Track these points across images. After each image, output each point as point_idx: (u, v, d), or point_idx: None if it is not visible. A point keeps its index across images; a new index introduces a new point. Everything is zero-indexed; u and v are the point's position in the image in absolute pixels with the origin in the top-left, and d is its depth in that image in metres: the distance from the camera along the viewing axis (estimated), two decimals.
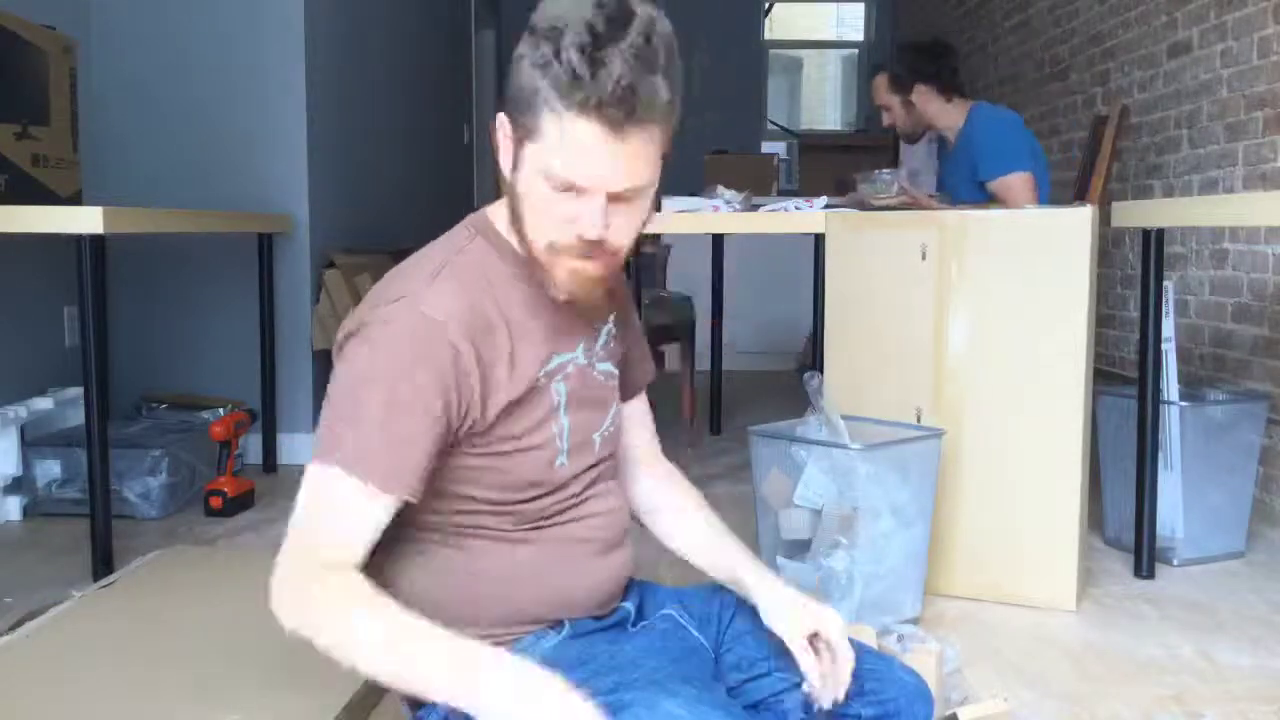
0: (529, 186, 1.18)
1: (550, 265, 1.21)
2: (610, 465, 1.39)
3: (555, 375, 1.27)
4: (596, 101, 1.10)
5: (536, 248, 1.20)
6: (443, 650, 1.07)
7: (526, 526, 1.27)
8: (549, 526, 1.29)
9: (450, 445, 1.20)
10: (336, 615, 1.10)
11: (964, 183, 3.32)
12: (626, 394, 1.47)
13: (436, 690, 1.06)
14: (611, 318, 1.40)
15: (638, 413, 1.53)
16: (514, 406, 1.22)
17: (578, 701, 1.03)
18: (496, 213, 1.29)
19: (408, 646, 1.07)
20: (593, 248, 1.18)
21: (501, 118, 1.20)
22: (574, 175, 1.14)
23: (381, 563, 1.24)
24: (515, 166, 1.20)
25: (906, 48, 3.54)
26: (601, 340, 1.36)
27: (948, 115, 3.39)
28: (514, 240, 1.26)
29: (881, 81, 3.50)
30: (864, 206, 3.00)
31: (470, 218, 1.32)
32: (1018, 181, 3.16)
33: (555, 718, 1.02)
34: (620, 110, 1.10)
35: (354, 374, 1.17)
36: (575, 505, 1.31)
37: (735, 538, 1.44)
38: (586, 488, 1.33)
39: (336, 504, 1.15)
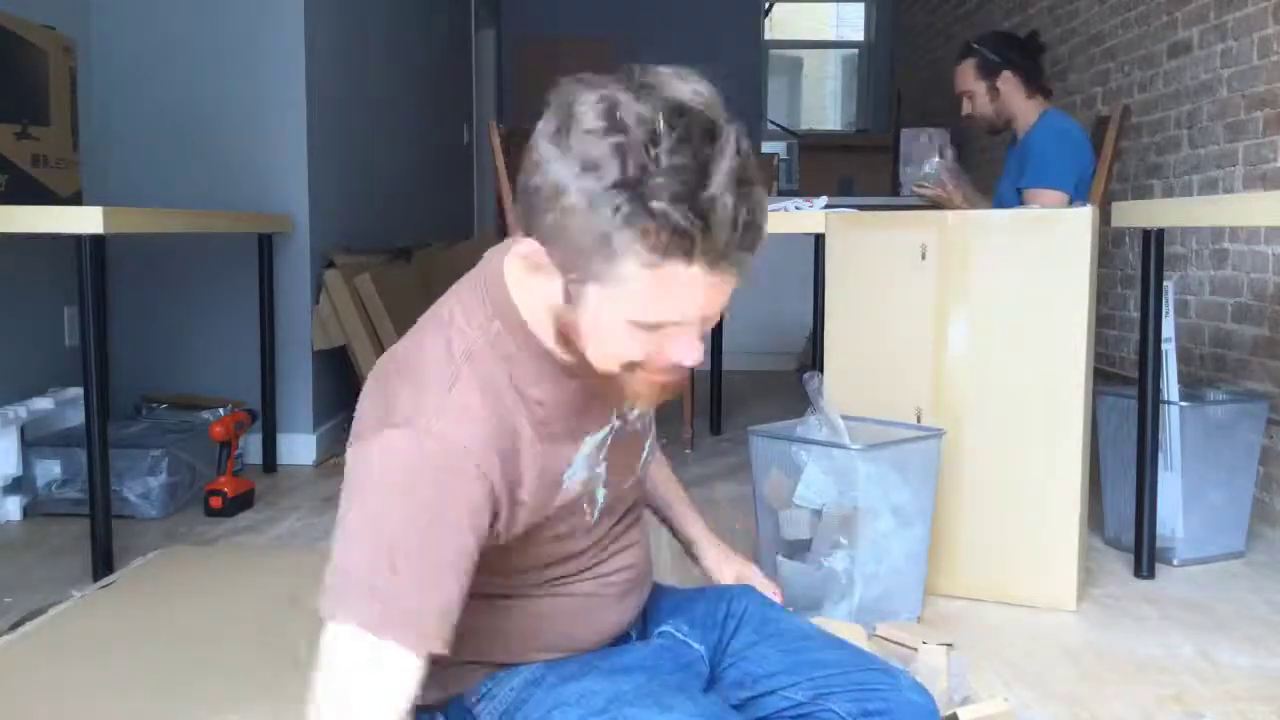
0: (600, 326, 1.00)
1: (623, 382, 1.06)
2: (637, 502, 1.32)
3: (588, 463, 1.15)
4: (710, 253, 0.94)
5: (605, 368, 1.04)
6: None
7: (548, 583, 1.20)
8: (569, 581, 1.22)
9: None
10: None
11: (1014, 186, 3.30)
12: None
13: None
14: None
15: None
16: (542, 509, 1.11)
17: None
18: (510, 275, 1.09)
19: None
20: (682, 370, 1.05)
21: (532, 247, 1.00)
22: (675, 317, 0.98)
23: None
24: (570, 302, 1.00)
25: (999, 35, 3.47)
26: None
27: (1025, 112, 3.33)
28: (531, 319, 1.08)
29: (969, 66, 3.37)
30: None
31: (483, 276, 1.13)
32: (1049, 198, 3.10)
33: None
34: (743, 252, 0.96)
35: (370, 513, 1.01)
36: (601, 562, 1.25)
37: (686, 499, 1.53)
38: (613, 540, 1.26)
39: (358, 675, 0.97)
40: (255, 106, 3.63)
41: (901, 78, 7.66)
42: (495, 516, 1.05)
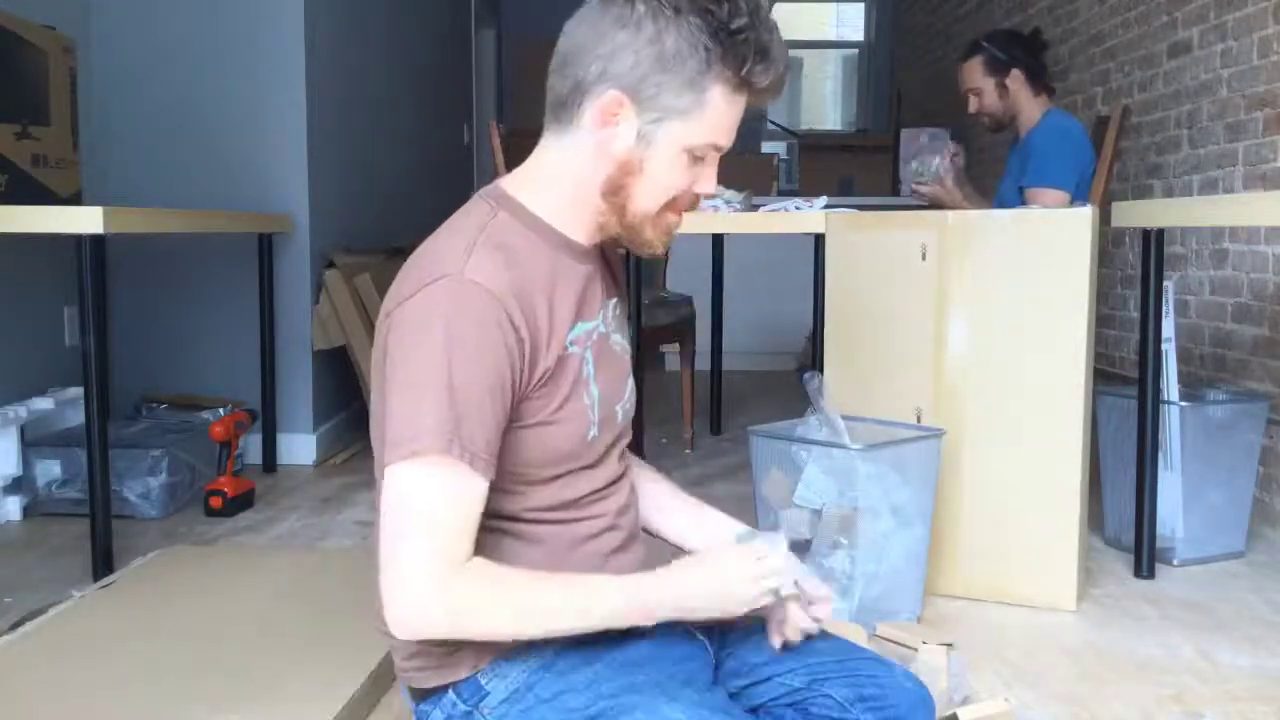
0: (663, 160, 1.21)
1: (646, 228, 1.25)
2: (625, 455, 1.38)
3: (582, 343, 1.25)
4: (770, 82, 1.19)
5: (642, 214, 1.24)
6: (613, 590, 1.17)
7: (551, 520, 1.25)
8: (572, 524, 1.27)
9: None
10: (501, 605, 1.13)
11: (1016, 185, 3.29)
12: None
13: (620, 622, 1.17)
14: (616, 295, 1.38)
15: None
16: (549, 376, 1.20)
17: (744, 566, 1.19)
18: (516, 184, 1.28)
19: (580, 601, 1.16)
20: (698, 201, 1.27)
21: (617, 97, 1.19)
22: (722, 141, 1.22)
23: None
24: (642, 143, 1.21)
25: (1006, 33, 3.48)
26: (612, 310, 1.35)
27: (1030, 110, 3.33)
28: (536, 207, 1.26)
29: (977, 63, 3.38)
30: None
31: (483, 191, 1.29)
32: (1051, 197, 3.10)
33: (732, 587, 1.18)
34: (780, 87, 1.22)
35: (417, 360, 1.12)
36: (604, 498, 1.29)
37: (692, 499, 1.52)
38: (613, 480, 1.32)
39: (437, 496, 1.11)
40: (255, 106, 3.63)
41: (901, 78, 7.66)
42: (522, 361, 1.16)
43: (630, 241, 1.27)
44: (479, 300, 1.13)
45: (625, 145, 1.21)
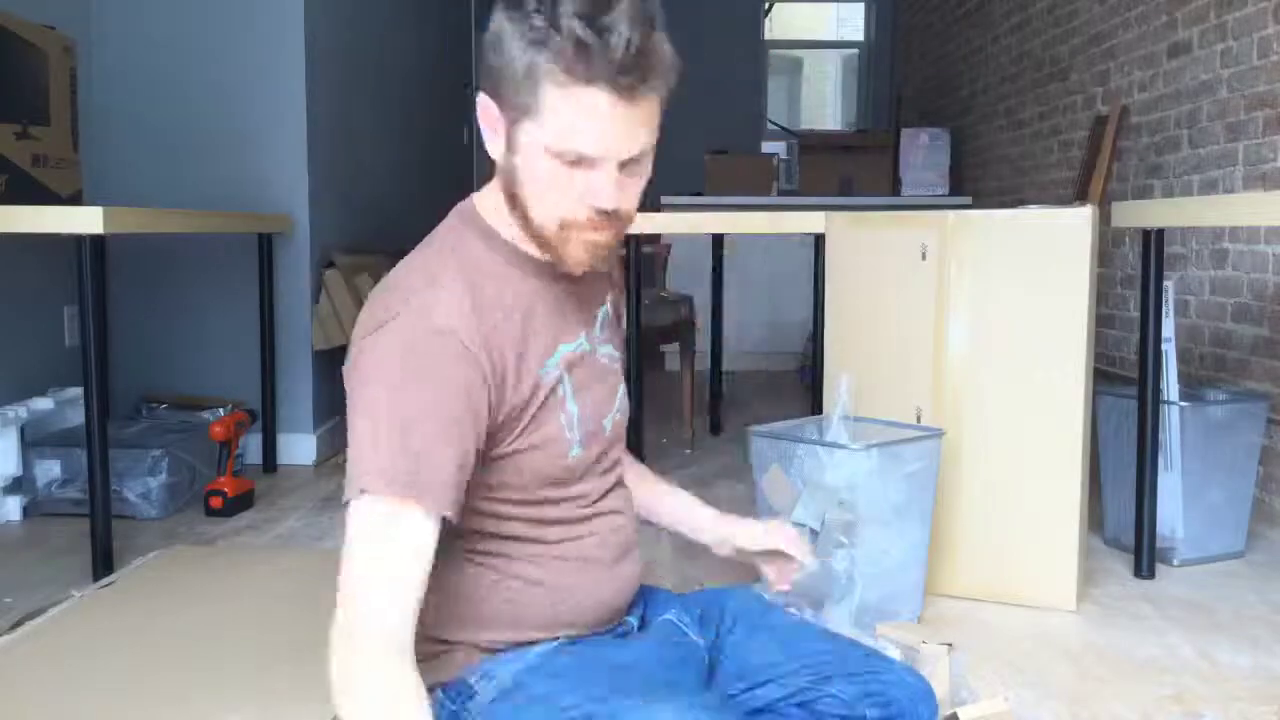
0: (532, 167, 1.14)
1: (561, 243, 1.18)
2: (619, 463, 1.37)
3: (560, 366, 1.24)
4: (607, 71, 1.08)
5: (546, 229, 1.17)
6: None
7: (542, 543, 1.24)
8: (563, 542, 1.26)
9: (476, 454, 1.15)
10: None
11: None
12: None
13: None
14: (609, 299, 1.38)
15: None
16: (522, 408, 1.19)
17: None
18: (483, 202, 1.26)
19: None
20: (607, 218, 1.16)
21: (484, 101, 1.17)
22: (586, 147, 1.11)
23: None
24: (510, 149, 1.16)
25: None
26: (600, 322, 1.34)
27: None
28: (503, 229, 1.23)
29: None
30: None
31: (457, 208, 1.28)
32: None
33: None
34: (632, 76, 1.09)
35: (371, 397, 1.11)
36: (590, 517, 1.28)
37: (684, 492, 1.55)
38: (604, 492, 1.31)
39: (388, 549, 1.08)
40: (255, 106, 3.62)
41: (901, 78, 7.66)
42: (487, 394, 1.14)
43: (556, 260, 1.21)
44: (438, 338, 1.12)
45: (499, 151, 1.19)
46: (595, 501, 1.30)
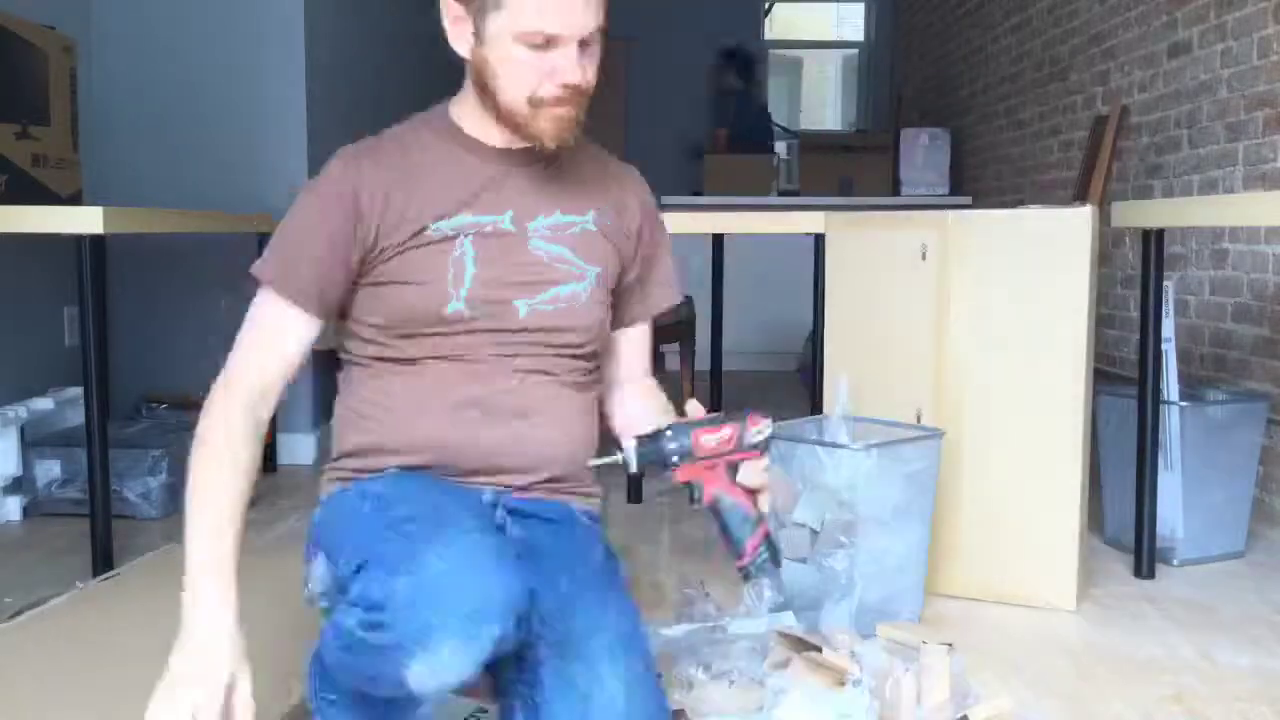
0: (501, 52, 1.31)
1: (532, 121, 1.35)
2: (553, 359, 1.46)
3: (461, 230, 1.40)
4: None
5: (518, 109, 1.35)
6: (197, 547, 1.28)
7: (409, 359, 1.43)
8: (434, 361, 1.42)
9: (355, 276, 1.41)
10: (203, 459, 1.32)
11: None
12: (625, 318, 1.60)
13: (189, 556, 1.30)
14: (611, 209, 1.51)
15: (636, 339, 1.63)
16: (400, 248, 1.39)
17: (214, 665, 1.23)
18: (455, 100, 1.47)
19: (197, 521, 1.29)
20: (573, 92, 1.33)
21: (447, 1, 1.35)
22: (552, 28, 1.28)
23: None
24: (479, 41, 1.33)
25: None
26: (562, 219, 1.46)
27: None
28: (467, 124, 1.44)
29: None
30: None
31: (421, 114, 1.51)
32: None
33: (188, 664, 1.26)
34: None
35: (289, 210, 1.43)
36: (477, 368, 1.42)
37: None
38: (506, 370, 1.43)
39: (257, 323, 1.43)
40: (255, 107, 3.63)
41: (901, 78, 7.66)
42: (361, 227, 1.39)
43: (525, 136, 1.38)
44: (333, 177, 1.41)
45: (468, 45, 1.36)
46: (482, 364, 1.42)
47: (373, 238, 1.40)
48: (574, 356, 1.50)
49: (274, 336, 1.41)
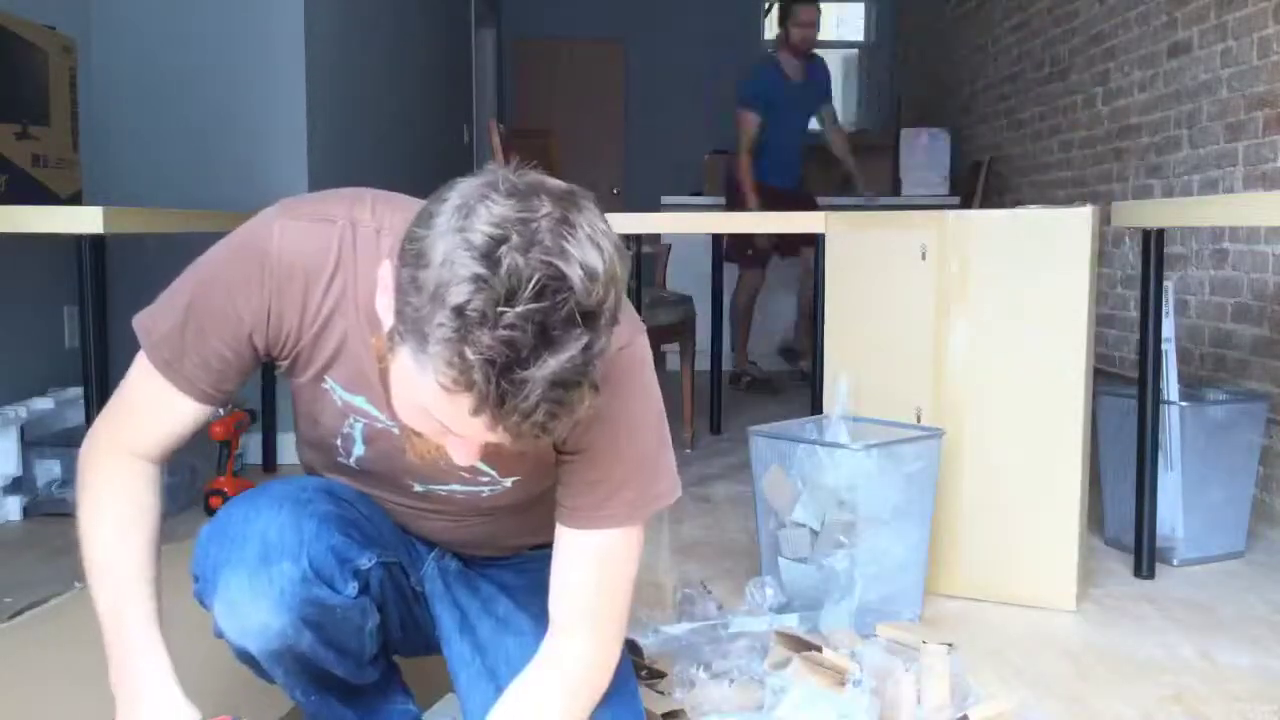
0: (399, 382, 1.00)
1: (410, 432, 1.17)
2: (478, 524, 1.40)
3: (351, 411, 1.26)
4: (494, 422, 0.94)
5: (399, 413, 1.06)
6: (115, 625, 1.29)
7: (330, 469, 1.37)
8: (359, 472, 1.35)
9: (265, 361, 1.26)
10: (91, 520, 1.25)
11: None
12: (566, 520, 1.25)
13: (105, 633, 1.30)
14: (532, 460, 1.26)
15: (572, 552, 1.25)
16: (300, 377, 1.27)
17: None
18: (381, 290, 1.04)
19: (102, 594, 1.30)
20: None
21: (385, 272, 1.00)
22: (455, 427, 0.98)
23: None
24: (390, 343, 0.99)
25: None
26: (459, 489, 1.34)
27: None
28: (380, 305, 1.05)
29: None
30: None
31: (388, 226, 1.17)
32: None
33: None
34: (523, 437, 0.96)
35: (195, 267, 1.25)
36: (395, 501, 1.38)
37: None
38: (409, 502, 1.37)
39: (139, 403, 1.24)
40: (255, 107, 3.62)
41: (901, 78, 7.66)
42: (267, 333, 1.20)
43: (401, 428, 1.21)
44: (259, 260, 1.18)
45: (385, 319, 1.01)
46: (408, 508, 1.38)
47: (273, 344, 1.23)
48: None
49: (159, 414, 1.27)
